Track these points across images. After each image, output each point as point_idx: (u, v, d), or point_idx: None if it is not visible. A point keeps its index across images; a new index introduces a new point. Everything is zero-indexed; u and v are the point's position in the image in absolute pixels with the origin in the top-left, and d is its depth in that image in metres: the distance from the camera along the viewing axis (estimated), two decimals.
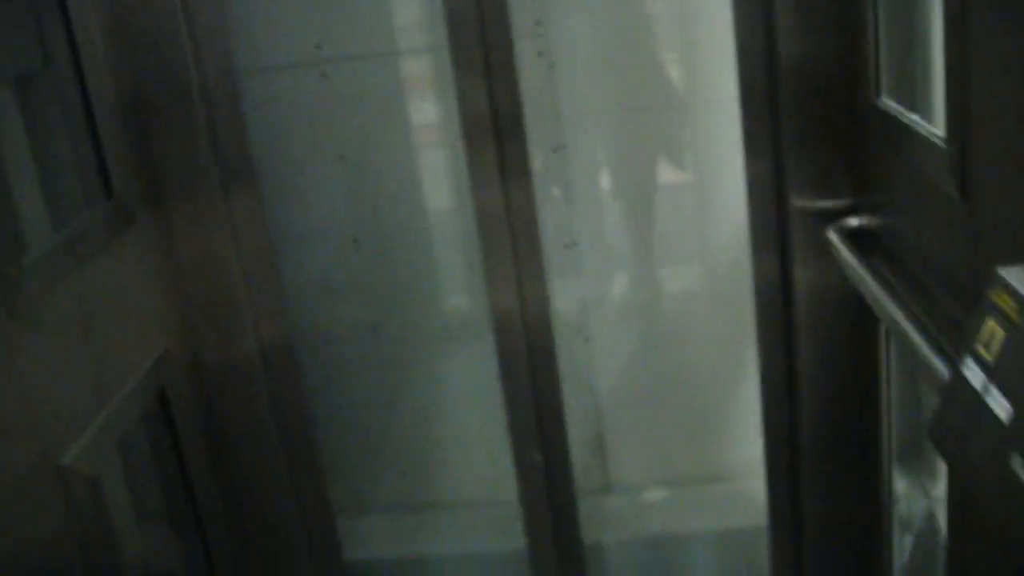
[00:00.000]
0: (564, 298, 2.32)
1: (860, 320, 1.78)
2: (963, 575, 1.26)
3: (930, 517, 1.90)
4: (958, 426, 0.92)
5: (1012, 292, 0.88)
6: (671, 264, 2.40)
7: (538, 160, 2.19)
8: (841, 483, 1.95)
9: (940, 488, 1.92)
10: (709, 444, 2.46)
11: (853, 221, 1.67)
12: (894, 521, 1.85)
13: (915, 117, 1.42)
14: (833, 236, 1.64)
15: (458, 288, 2.44)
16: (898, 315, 1.34)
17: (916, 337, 1.24)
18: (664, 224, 2.36)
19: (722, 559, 2.40)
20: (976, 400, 0.89)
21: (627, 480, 2.50)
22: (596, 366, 2.43)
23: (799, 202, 1.81)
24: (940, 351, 1.16)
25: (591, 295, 2.40)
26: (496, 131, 2.04)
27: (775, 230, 1.92)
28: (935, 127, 1.32)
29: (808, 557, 2.07)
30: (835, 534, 1.99)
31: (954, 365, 0.94)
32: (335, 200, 2.35)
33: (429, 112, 2.31)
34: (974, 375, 0.90)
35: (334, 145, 2.28)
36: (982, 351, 0.89)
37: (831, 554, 2.01)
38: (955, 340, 1.14)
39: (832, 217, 1.71)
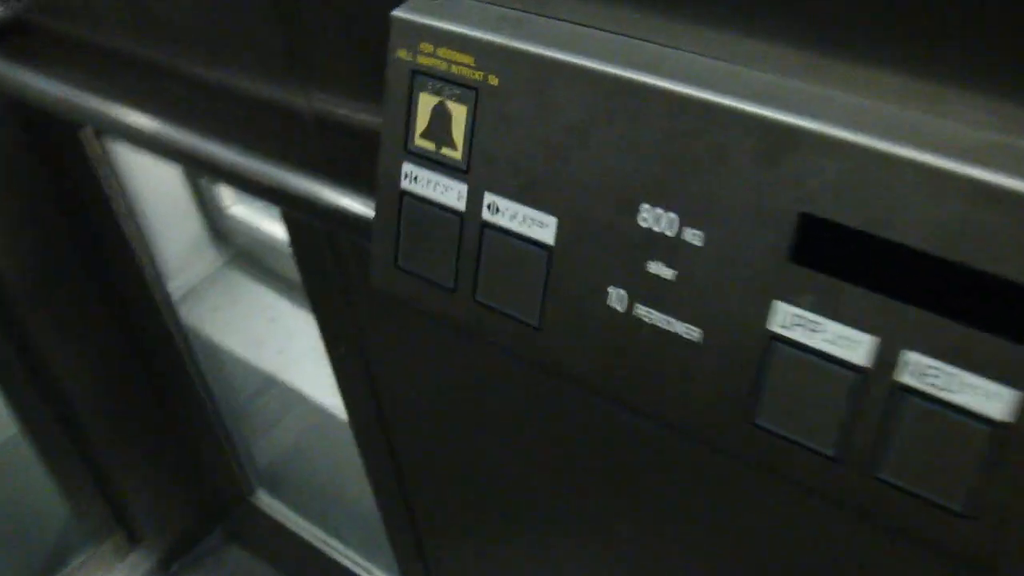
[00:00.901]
0: None
1: (54, 140, 1.17)
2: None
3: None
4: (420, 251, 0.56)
5: (448, 37, 0.47)
6: None
7: None
8: (84, 325, 1.41)
9: None
10: None
11: None
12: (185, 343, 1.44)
13: None
14: None
15: None
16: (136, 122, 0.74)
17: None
18: None
19: None
20: (440, 220, 0.54)
21: None
22: None
23: None
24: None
25: None
26: None
27: None
28: None
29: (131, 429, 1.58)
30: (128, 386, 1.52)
31: (384, 179, 0.57)
32: None
33: None
34: (441, 189, 0.55)
35: None
36: (436, 148, 0.54)
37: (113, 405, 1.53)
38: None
39: None
